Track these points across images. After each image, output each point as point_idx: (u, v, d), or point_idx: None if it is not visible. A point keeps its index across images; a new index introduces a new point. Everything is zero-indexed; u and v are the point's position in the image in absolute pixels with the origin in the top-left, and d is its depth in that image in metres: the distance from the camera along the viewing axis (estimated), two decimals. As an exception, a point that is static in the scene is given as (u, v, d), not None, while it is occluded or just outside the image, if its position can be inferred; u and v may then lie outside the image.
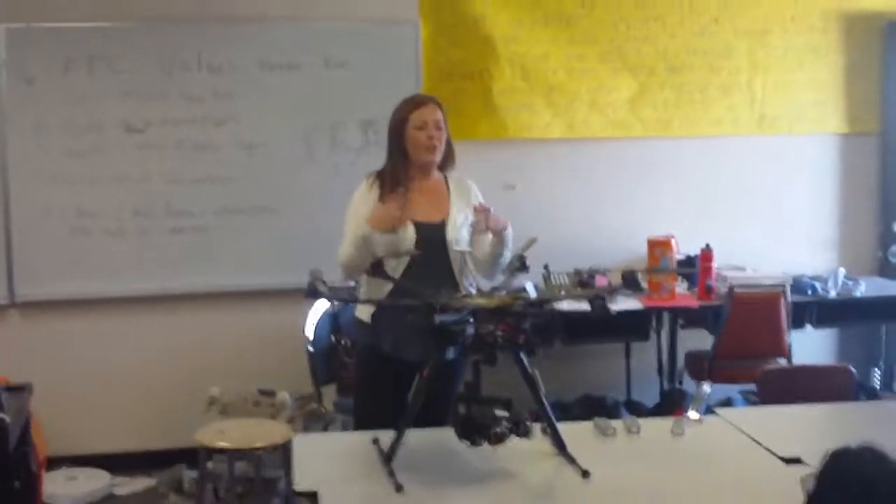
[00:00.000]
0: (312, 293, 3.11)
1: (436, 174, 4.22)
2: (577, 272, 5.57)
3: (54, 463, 5.57)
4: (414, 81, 5.76)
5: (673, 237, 5.68)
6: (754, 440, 3.42)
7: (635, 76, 6.07)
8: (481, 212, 4.03)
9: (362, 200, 4.15)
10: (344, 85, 5.76)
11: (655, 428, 3.62)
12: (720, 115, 6.18)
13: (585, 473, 3.13)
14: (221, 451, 4.49)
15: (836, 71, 6.29)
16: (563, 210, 6.10)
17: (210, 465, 5.28)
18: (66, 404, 5.73)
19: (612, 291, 3.22)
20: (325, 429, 5.27)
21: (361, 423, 4.15)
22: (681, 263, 5.76)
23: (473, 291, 3.77)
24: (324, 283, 3.14)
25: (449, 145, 4.20)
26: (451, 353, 3.54)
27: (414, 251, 3.92)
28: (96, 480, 5.55)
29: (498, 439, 3.06)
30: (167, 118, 5.64)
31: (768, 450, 3.31)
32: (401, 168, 4.13)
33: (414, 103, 4.16)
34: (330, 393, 5.27)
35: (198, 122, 5.66)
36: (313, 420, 5.47)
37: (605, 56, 6.03)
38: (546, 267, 5.73)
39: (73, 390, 5.76)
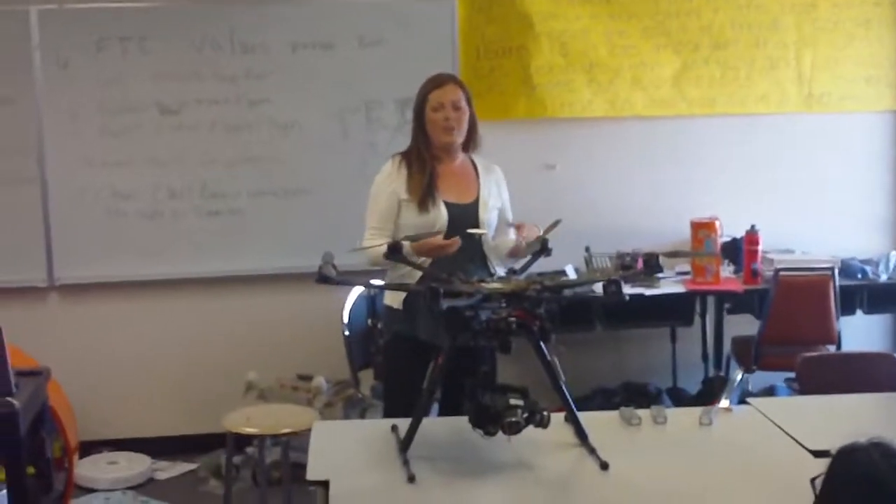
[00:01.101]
0: (322, 278, 3.02)
1: (462, 155, 4.15)
2: (620, 255, 5.47)
3: (94, 447, 5.64)
4: (450, 59, 5.69)
5: (717, 219, 5.53)
6: (784, 431, 3.30)
7: (678, 52, 5.92)
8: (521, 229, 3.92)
9: (387, 182, 4.09)
10: (379, 63, 5.69)
11: (683, 418, 3.50)
12: (766, 92, 6.00)
13: (604, 465, 3.03)
14: (252, 436, 4.46)
15: (889, 45, 6.07)
16: (605, 191, 6.00)
17: (250, 450, 5.30)
18: (106, 388, 5.78)
19: (625, 276, 3.08)
20: (363, 415, 5.23)
21: (390, 411, 4.09)
22: (726, 245, 5.63)
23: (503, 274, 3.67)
24: (334, 267, 3.05)
25: (473, 126, 4.11)
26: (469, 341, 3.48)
27: (439, 232, 3.84)
28: (137, 464, 5.58)
29: (512, 429, 2.96)
30: (201, 99, 5.62)
31: (797, 441, 3.19)
32: (424, 149, 4.07)
33: (433, 83, 4.08)
34: (367, 378, 5.22)
35: (231, 102, 5.63)
36: (351, 405, 5.44)
37: (647, 31, 5.88)
38: (587, 249, 5.64)
39: (113, 373, 5.80)
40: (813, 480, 1.99)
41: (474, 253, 3.99)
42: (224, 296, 5.82)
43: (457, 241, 3.73)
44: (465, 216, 4.00)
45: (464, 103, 4.04)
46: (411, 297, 3.95)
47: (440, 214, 3.99)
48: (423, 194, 4.00)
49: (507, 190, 4.26)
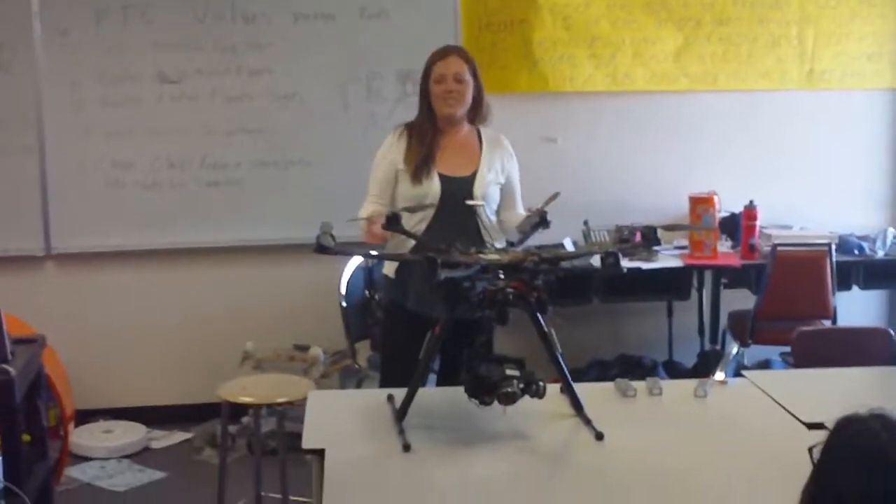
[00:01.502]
0: (320, 248, 3.02)
1: (467, 128, 4.13)
2: (619, 228, 5.48)
3: (90, 416, 5.65)
4: (452, 31, 5.67)
5: (716, 194, 5.52)
6: (779, 404, 3.30)
7: (681, 28, 5.90)
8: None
9: (387, 152, 4.10)
10: (380, 35, 5.67)
11: (678, 390, 3.51)
12: (768, 68, 5.99)
13: (599, 436, 3.04)
14: (248, 406, 4.46)
15: (892, 23, 6.06)
16: (605, 165, 5.99)
17: (245, 419, 5.31)
18: (102, 357, 5.79)
19: (623, 248, 3.08)
20: (360, 385, 5.24)
21: (386, 381, 4.10)
22: (724, 220, 5.64)
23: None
24: (332, 237, 3.05)
25: (479, 99, 4.09)
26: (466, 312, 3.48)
27: (432, 205, 3.83)
28: (132, 433, 5.59)
29: (508, 399, 2.97)
30: (202, 69, 5.61)
31: (792, 414, 3.20)
32: (427, 120, 4.06)
33: (437, 55, 4.06)
34: (364, 349, 5.23)
35: (232, 72, 5.62)
36: (348, 376, 5.45)
37: (649, 6, 5.87)
38: (586, 223, 5.64)
39: (109, 343, 5.80)
40: (811, 450, 1.98)
41: (469, 226, 3.94)
42: (222, 266, 5.82)
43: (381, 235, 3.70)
44: (459, 190, 3.97)
45: (468, 76, 4.02)
46: (404, 266, 3.95)
47: (432, 186, 3.98)
48: (418, 166, 3.99)
49: (516, 163, 4.21)
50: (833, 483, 1.90)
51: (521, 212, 4.06)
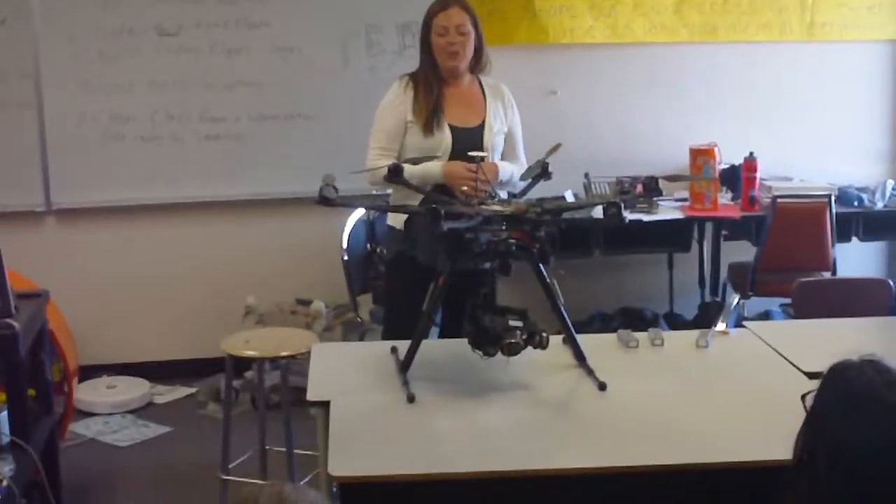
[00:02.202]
0: (323, 200, 3.02)
1: (469, 78, 4.13)
2: (620, 181, 5.45)
3: (93, 371, 5.65)
4: (451, -17, 5.61)
5: (716, 146, 5.52)
6: (780, 353, 3.33)
7: (681, -22, 5.88)
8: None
9: (395, 103, 4.09)
10: (380, -12, 5.64)
11: (680, 340, 3.53)
12: (769, 19, 5.95)
13: (602, 386, 3.06)
14: (251, 360, 4.48)
15: (894, -27, 6.03)
16: (606, 117, 5.98)
17: (249, 374, 5.33)
18: (105, 312, 5.78)
19: (625, 199, 3.08)
20: (362, 338, 5.26)
21: (389, 333, 4.11)
22: (724, 172, 5.63)
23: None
24: (335, 189, 3.05)
25: (480, 49, 4.08)
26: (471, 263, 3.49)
27: (437, 157, 3.84)
28: (136, 389, 5.60)
29: (511, 350, 2.99)
30: (200, 21, 5.56)
31: (792, 363, 3.22)
32: (430, 71, 4.06)
33: (438, 6, 4.05)
34: (366, 302, 5.24)
35: (231, 25, 5.57)
36: (350, 329, 5.47)
37: (650, -43, 5.83)
38: (587, 175, 5.64)
39: (111, 298, 5.79)
40: (804, 397, 2.00)
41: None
42: (223, 220, 5.81)
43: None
44: (469, 140, 3.99)
45: (469, 27, 4.01)
46: (412, 218, 3.95)
47: (444, 137, 4.00)
48: (429, 117, 4.00)
49: (517, 112, 4.22)
50: (827, 428, 1.92)
51: (524, 161, 4.07)
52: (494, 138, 4.08)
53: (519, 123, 4.23)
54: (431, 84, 4.04)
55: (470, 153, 3.69)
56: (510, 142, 4.18)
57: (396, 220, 4.09)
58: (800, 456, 1.94)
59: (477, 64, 4.11)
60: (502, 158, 4.15)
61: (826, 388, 1.96)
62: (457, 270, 3.10)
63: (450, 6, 4.02)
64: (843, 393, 1.92)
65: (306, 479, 4.05)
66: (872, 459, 1.85)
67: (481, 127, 4.07)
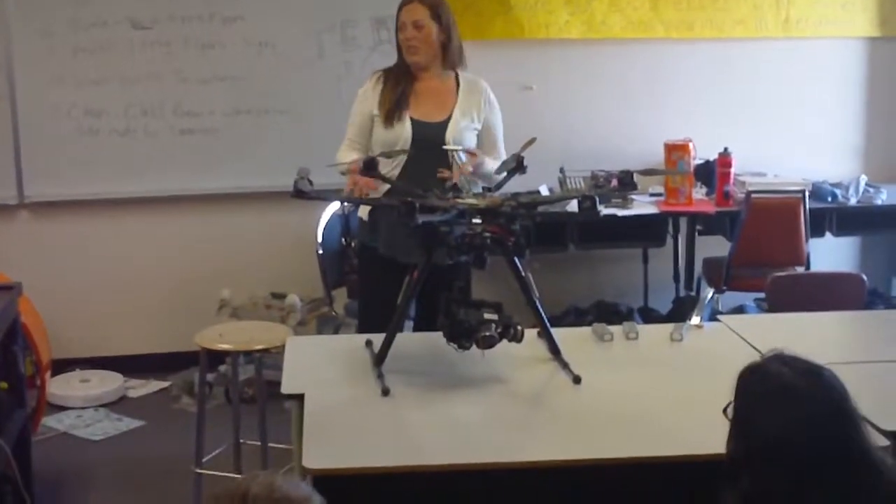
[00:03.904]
0: (298, 193, 3.02)
1: (444, 73, 4.12)
2: (594, 175, 5.48)
3: (67, 365, 5.62)
4: (427, -23, 5.62)
5: (691, 141, 5.53)
6: (753, 347, 3.34)
7: (657, -26, 5.89)
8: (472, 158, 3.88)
9: (363, 97, 4.12)
10: (355, -19, 5.62)
11: (655, 334, 3.55)
12: (744, 15, 5.97)
13: (577, 379, 3.07)
14: (225, 353, 4.47)
15: (867, -30, 6.06)
16: (581, 112, 5.99)
17: (223, 368, 5.31)
18: (78, 306, 5.76)
19: (601, 193, 3.10)
20: (336, 332, 5.25)
21: (364, 326, 4.12)
22: (699, 168, 5.64)
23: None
24: (310, 182, 3.05)
25: (447, 44, 4.06)
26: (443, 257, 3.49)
27: (404, 151, 3.84)
28: (109, 382, 5.58)
29: (486, 343, 2.99)
30: (174, 15, 5.54)
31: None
32: (401, 66, 4.07)
33: (401, 2, 4.06)
34: (341, 296, 5.24)
35: (205, 19, 5.55)
36: (325, 323, 5.46)
37: (626, -49, 5.84)
38: (562, 170, 5.64)
39: (84, 292, 5.77)
40: (724, 410, 2.06)
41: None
42: (197, 214, 5.80)
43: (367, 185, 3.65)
44: (431, 135, 3.97)
45: (427, 21, 3.99)
46: (375, 209, 3.96)
47: (404, 131, 3.98)
48: (390, 110, 4.00)
49: (496, 109, 4.20)
50: (756, 427, 2.00)
51: (504, 157, 4.05)
52: (460, 135, 4.02)
53: (499, 119, 4.20)
54: (399, 78, 4.05)
55: (444, 147, 3.70)
56: (488, 138, 4.15)
57: (364, 210, 4.10)
58: (733, 458, 2.03)
59: (445, 58, 4.09)
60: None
61: (744, 391, 2.06)
62: (431, 264, 3.10)
63: (409, 2, 4.02)
64: (760, 391, 2.02)
65: (281, 473, 4.04)
66: (805, 445, 1.93)
67: (446, 122, 4.04)
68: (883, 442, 2.47)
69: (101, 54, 5.51)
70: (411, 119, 4.00)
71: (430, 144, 3.89)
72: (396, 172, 3.91)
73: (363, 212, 4.11)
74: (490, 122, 4.16)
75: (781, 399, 1.97)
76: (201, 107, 5.64)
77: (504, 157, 4.07)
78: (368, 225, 4.05)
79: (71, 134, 5.55)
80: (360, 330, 4.15)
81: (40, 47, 5.46)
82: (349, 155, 3.98)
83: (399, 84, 4.03)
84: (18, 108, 5.48)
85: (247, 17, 5.58)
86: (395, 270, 3.69)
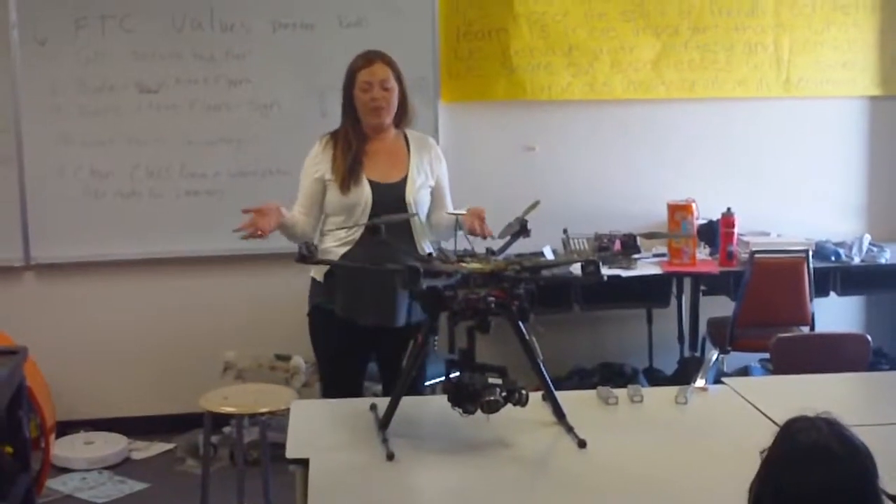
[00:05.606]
0: (302, 258, 3.04)
1: (393, 132, 4.08)
2: (598, 237, 5.49)
3: (71, 427, 5.62)
4: (430, 41, 5.71)
5: (694, 201, 5.56)
6: (759, 410, 3.33)
7: (658, 35, 5.94)
8: (475, 216, 3.77)
9: (311, 163, 4.08)
10: (359, 44, 5.50)
11: (659, 397, 3.53)
12: (745, 76, 6.03)
13: (582, 443, 3.05)
14: (229, 416, 4.46)
15: (867, 31, 6.11)
16: (584, 173, 6.02)
17: (227, 429, 5.30)
18: (83, 367, 5.76)
19: (603, 257, 3.10)
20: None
21: (326, 386, 4.13)
22: (702, 228, 5.67)
23: (433, 254, 3.63)
24: (315, 246, 3.07)
25: (404, 103, 4.05)
26: (400, 321, 3.69)
27: (412, 214, 3.86)
28: (113, 444, 5.57)
29: (490, 407, 2.98)
30: (180, 78, 5.60)
31: (772, 420, 3.21)
32: (351, 128, 4.02)
33: (361, 61, 4.01)
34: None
35: (211, 82, 5.62)
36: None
37: (627, 14, 5.90)
38: (565, 231, 5.66)
39: (89, 353, 5.77)
40: (762, 452, 2.06)
41: (402, 233, 3.89)
42: (202, 275, 5.81)
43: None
44: (390, 196, 3.94)
45: (392, 81, 3.97)
46: (332, 271, 3.92)
47: (363, 193, 3.93)
48: (346, 174, 3.94)
49: (444, 165, 4.16)
50: (774, 476, 1.99)
51: (451, 210, 4.00)
52: (417, 193, 4.00)
53: (446, 175, 4.16)
54: (351, 141, 3.99)
55: (403, 215, 3.75)
56: (438, 193, 4.11)
57: (318, 272, 4.05)
58: (756, 498, 2.03)
59: (402, 118, 4.07)
60: (429, 212, 4.08)
61: (778, 440, 2.04)
62: (436, 327, 3.12)
63: (374, 62, 3.98)
64: (791, 443, 2.00)
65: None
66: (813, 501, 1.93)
67: (403, 182, 4.00)
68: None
69: (107, 116, 5.57)
70: (369, 181, 3.96)
71: (388, 204, 3.84)
72: (357, 234, 3.90)
73: (317, 273, 4.05)
74: (440, 178, 4.13)
75: (806, 456, 1.96)
76: (206, 168, 5.68)
77: (451, 208, 4.06)
78: (324, 287, 4.00)
79: (77, 195, 5.59)
80: (325, 394, 4.09)
81: (47, 108, 5.52)
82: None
83: (351, 146, 3.98)
84: (25, 169, 5.52)
85: (253, 80, 5.64)
86: (349, 331, 3.76)
